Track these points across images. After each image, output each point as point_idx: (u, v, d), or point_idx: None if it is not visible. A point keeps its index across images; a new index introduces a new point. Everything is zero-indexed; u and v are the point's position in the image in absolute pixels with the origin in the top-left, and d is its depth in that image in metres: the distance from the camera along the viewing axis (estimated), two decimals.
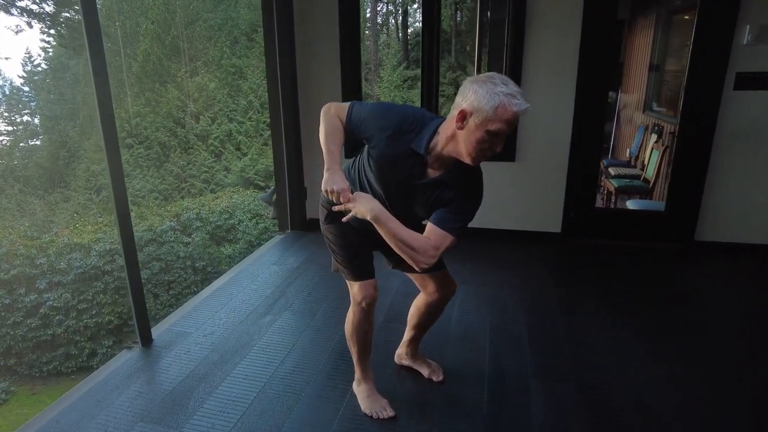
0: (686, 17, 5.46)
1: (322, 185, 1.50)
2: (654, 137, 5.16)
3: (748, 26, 3.14)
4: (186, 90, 15.11)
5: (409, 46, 17.02)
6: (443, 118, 1.52)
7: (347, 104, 1.60)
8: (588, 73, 3.41)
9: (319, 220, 1.85)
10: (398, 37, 18.26)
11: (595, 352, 2.32)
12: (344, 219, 1.53)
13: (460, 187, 1.52)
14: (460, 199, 1.52)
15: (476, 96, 1.36)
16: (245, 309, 2.72)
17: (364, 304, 1.75)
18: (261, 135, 14.47)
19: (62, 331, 8.25)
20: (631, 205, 4.33)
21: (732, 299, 2.93)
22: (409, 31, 17.66)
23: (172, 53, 15.38)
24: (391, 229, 1.46)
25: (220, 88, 15.18)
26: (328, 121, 1.57)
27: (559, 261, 3.57)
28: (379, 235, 1.52)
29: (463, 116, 1.39)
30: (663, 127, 5.10)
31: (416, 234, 1.49)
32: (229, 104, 15.02)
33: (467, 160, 1.44)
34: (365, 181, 1.66)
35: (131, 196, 12.46)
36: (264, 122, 14.32)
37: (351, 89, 3.78)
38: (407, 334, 2.11)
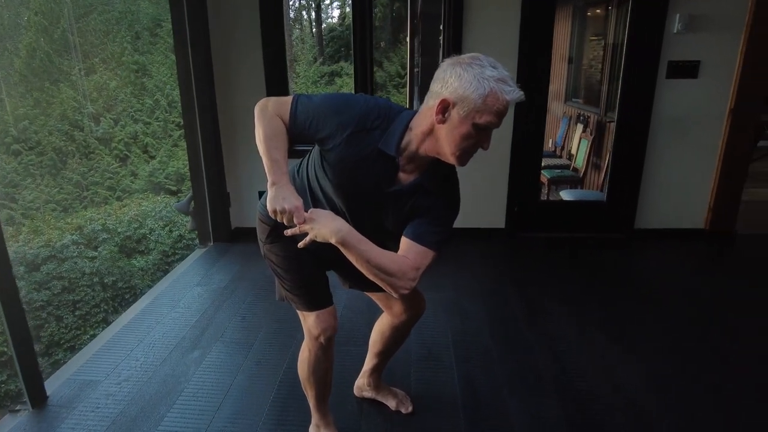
0: (596, 12, 5.62)
1: (268, 204, 1.17)
2: (581, 127, 5.23)
3: (678, 15, 3.17)
4: (82, 89, 13.68)
5: (324, 41, 16.60)
6: (413, 111, 1.24)
7: (289, 99, 1.25)
8: (528, 64, 3.30)
9: (256, 231, 1.48)
10: (312, 33, 17.76)
11: (569, 356, 2.18)
12: (301, 244, 1.20)
13: (439, 192, 1.27)
14: (441, 207, 1.26)
15: (460, 82, 1.10)
16: (167, 344, 2.30)
17: (322, 339, 1.44)
18: (170, 136, 13.43)
19: None
20: (565, 195, 4.31)
21: (681, 283, 2.95)
22: (323, 26, 17.23)
23: (64, 49, 13.86)
24: (363, 252, 1.16)
25: (122, 87, 13.90)
26: (266, 122, 1.22)
27: (508, 258, 3.44)
28: (335, 252, 1.21)
29: (444, 107, 1.13)
30: (589, 117, 5.18)
31: (391, 254, 1.20)
32: (134, 104, 13.80)
33: (452, 160, 1.18)
34: (319, 192, 1.34)
35: (22, 209, 11.06)
36: (173, 122, 13.30)
37: (276, 79, 3.40)
38: (369, 362, 1.82)
